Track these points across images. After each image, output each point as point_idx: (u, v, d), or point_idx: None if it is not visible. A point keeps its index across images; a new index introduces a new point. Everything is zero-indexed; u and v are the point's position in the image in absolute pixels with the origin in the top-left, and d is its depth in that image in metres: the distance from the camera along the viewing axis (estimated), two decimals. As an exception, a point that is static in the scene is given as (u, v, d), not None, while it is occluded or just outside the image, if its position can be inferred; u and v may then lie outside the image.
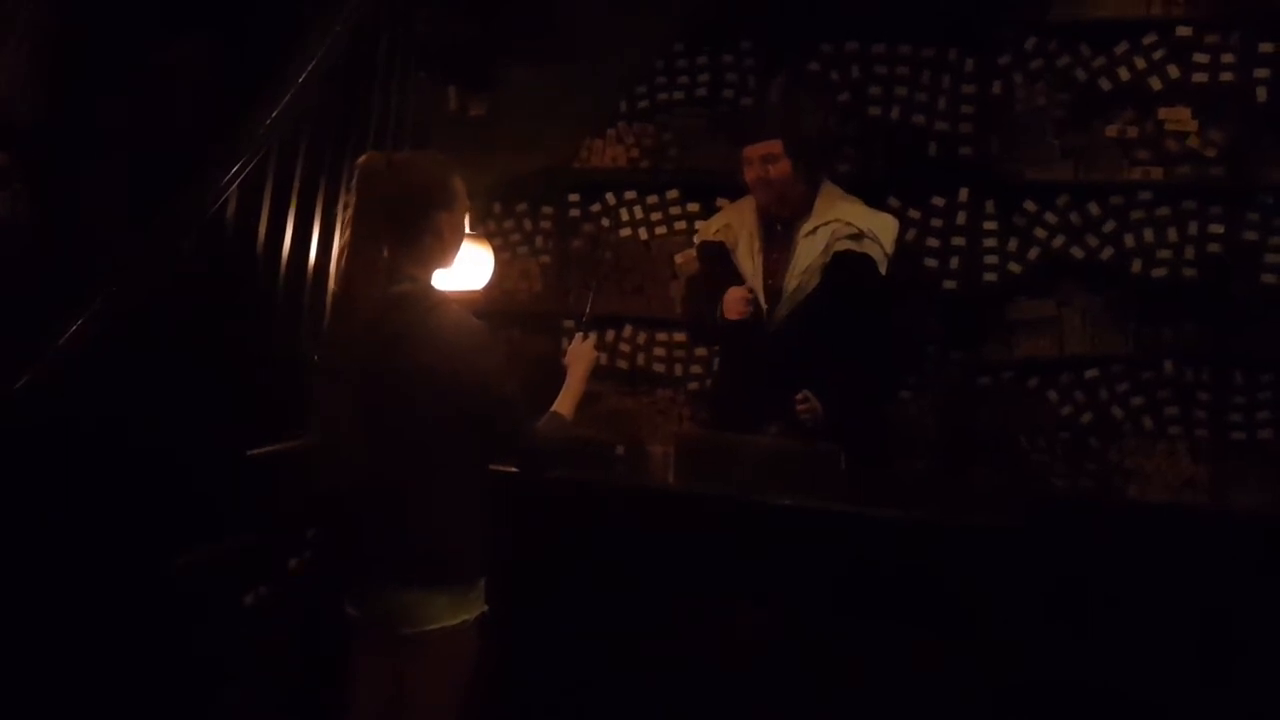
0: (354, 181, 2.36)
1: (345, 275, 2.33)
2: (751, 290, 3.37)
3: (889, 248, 3.33)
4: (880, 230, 3.34)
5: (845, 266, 3.30)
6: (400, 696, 2.36)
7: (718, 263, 3.49)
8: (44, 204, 3.68)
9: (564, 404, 2.53)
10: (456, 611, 2.32)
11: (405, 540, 2.33)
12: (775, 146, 3.31)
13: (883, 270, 3.31)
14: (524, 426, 2.38)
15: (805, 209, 3.38)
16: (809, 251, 3.34)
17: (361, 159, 2.39)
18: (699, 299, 3.59)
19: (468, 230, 2.56)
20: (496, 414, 2.34)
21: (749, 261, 3.42)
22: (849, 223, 3.32)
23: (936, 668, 2.68)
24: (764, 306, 3.36)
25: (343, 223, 2.39)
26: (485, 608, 2.39)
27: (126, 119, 3.72)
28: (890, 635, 2.71)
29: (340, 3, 3.09)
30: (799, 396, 3.22)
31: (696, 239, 3.72)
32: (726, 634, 2.83)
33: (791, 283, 3.34)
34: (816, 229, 3.34)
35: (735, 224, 3.49)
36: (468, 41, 3.73)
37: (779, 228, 3.42)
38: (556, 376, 2.64)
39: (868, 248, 3.31)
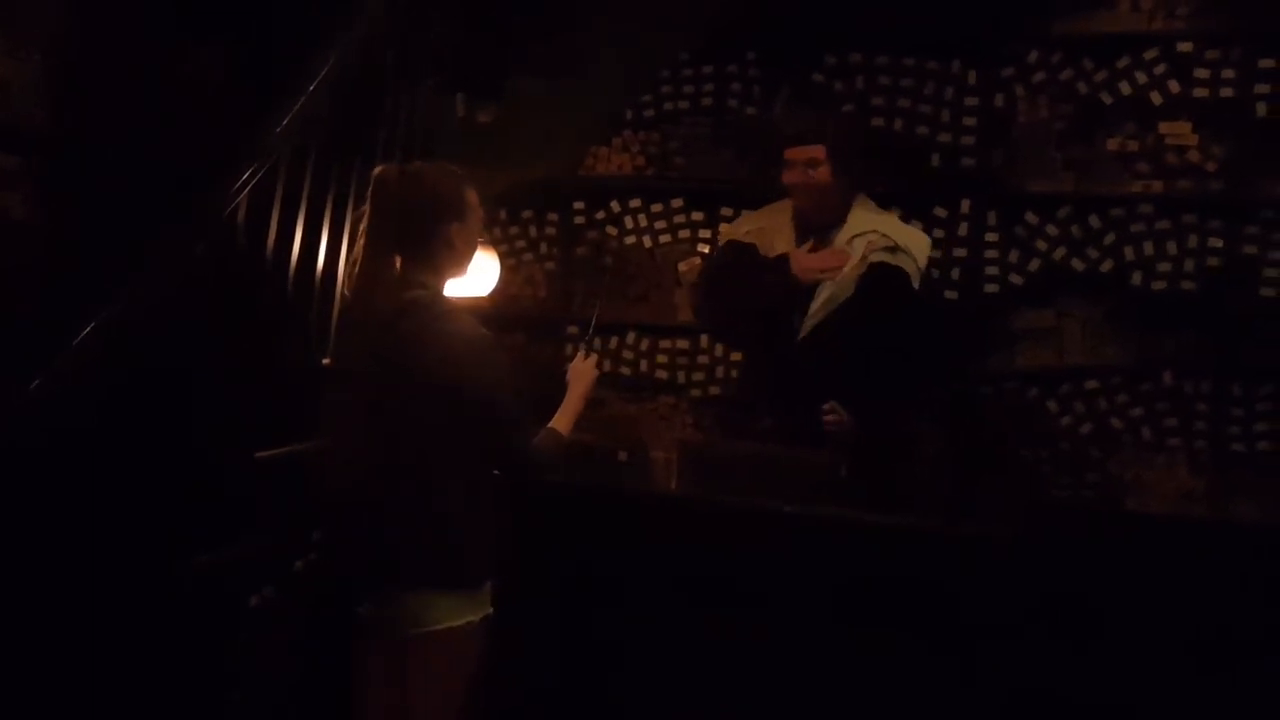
0: (368, 192, 2.39)
1: (358, 284, 2.37)
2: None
3: (922, 264, 3.31)
4: (914, 246, 3.32)
5: (880, 278, 3.28)
6: (403, 697, 2.38)
7: (741, 262, 3.46)
8: (55, 209, 3.71)
9: (561, 421, 2.55)
10: (462, 612, 2.35)
11: (411, 542, 2.36)
12: (819, 151, 3.26)
13: (915, 285, 3.30)
14: (518, 441, 2.41)
15: (839, 219, 3.35)
16: None
17: (376, 170, 2.42)
18: (718, 299, 3.56)
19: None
20: (493, 425, 2.37)
21: None
22: (885, 234, 3.30)
23: (933, 678, 2.70)
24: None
25: (356, 233, 2.43)
26: (490, 610, 2.41)
27: (138, 125, 3.75)
28: (887, 644, 2.72)
29: (351, 13, 3.12)
30: (826, 407, 3.17)
31: (722, 238, 3.65)
32: (726, 640, 2.85)
33: (824, 291, 3.31)
34: (852, 239, 3.31)
35: (769, 228, 3.44)
36: (475, 50, 3.76)
37: (813, 236, 3.38)
38: (559, 383, 2.67)
39: (902, 261, 3.29)
